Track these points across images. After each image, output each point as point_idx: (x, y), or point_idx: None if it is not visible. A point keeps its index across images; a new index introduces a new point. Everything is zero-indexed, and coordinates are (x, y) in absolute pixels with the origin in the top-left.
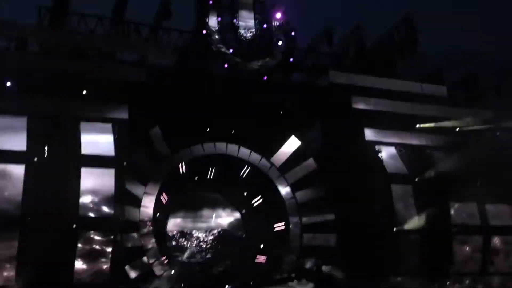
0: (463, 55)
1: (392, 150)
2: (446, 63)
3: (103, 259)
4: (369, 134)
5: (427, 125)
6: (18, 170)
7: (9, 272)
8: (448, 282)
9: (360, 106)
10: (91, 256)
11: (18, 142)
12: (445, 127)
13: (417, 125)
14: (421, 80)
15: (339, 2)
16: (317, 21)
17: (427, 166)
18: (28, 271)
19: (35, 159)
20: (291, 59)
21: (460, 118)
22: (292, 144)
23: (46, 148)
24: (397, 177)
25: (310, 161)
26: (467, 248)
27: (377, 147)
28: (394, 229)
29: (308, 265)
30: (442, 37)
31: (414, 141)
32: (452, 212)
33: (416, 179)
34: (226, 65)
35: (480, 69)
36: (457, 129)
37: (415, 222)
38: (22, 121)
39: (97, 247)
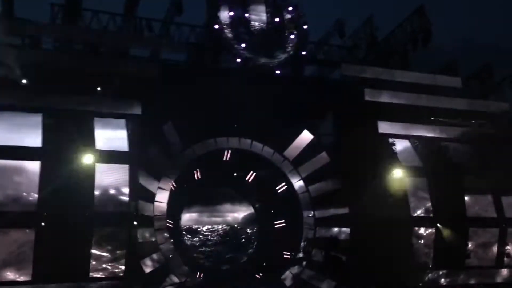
0: (478, 47)
1: (406, 142)
2: (461, 55)
3: (118, 254)
4: (383, 126)
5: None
6: (33, 166)
7: (26, 267)
8: (463, 275)
9: (373, 98)
10: (106, 251)
11: (33, 138)
12: (459, 119)
13: (431, 117)
14: (435, 72)
15: None
16: (328, 14)
17: (441, 158)
18: (44, 265)
19: (50, 155)
20: (303, 53)
21: (475, 109)
22: (304, 137)
23: (61, 144)
24: (411, 169)
25: (323, 154)
26: (483, 241)
27: (390, 140)
28: (409, 222)
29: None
30: (456, 29)
31: (428, 133)
32: (467, 204)
33: (431, 172)
34: (238, 60)
35: (495, 60)
36: (472, 121)
37: (429, 215)
38: (37, 118)
39: (112, 242)
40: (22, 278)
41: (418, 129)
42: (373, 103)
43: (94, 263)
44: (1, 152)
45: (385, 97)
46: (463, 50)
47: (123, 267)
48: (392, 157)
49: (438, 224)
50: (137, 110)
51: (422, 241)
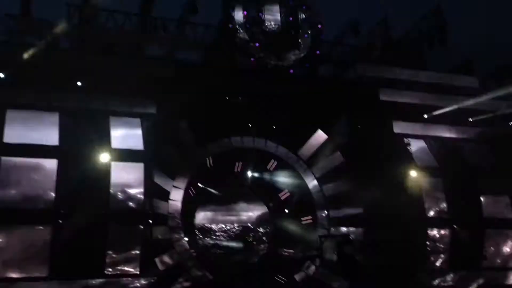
0: (497, 46)
1: (421, 143)
2: (478, 55)
3: (133, 252)
4: (398, 126)
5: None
6: (51, 165)
7: (42, 263)
8: (478, 277)
9: (388, 98)
10: (121, 249)
11: (50, 137)
12: (476, 119)
13: (447, 117)
14: (451, 71)
15: None
16: (343, 14)
17: (457, 159)
18: (60, 262)
19: (67, 153)
20: (318, 52)
21: (493, 110)
22: (319, 137)
23: (77, 143)
24: (427, 170)
25: (337, 154)
26: (499, 242)
27: (406, 140)
28: (424, 222)
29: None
30: (473, 28)
31: (444, 133)
32: (483, 205)
33: (446, 172)
34: (252, 59)
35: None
36: (489, 121)
37: (445, 215)
38: (54, 117)
39: (127, 239)
40: (38, 274)
41: (434, 129)
42: (388, 102)
43: (109, 260)
44: (19, 150)
45: (400, 97)
46: (481, 50)
47: (138, 265)
48: (407, 157)
49: (454, 225)
50: (152, 109)
51: (438, 242)
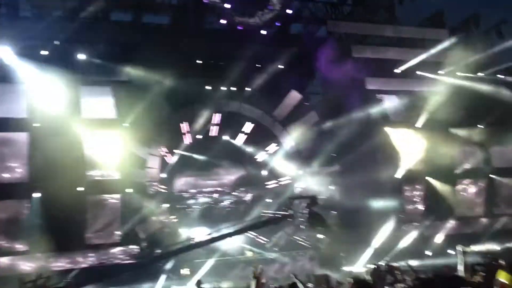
0: None
1: (394, 97)
2: (448, 6)
3: (113, 221)
4: (371, 82)
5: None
6: (21, 137)
7: (22, 239)
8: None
9: (361, 55)
10: (101, 218)
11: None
12: (446, 72)
13: (419, 72)
14: (422, 24)
15: None
16: None
17: (429, 111)
18: (38, 236)
19: (37, 125)
20: (289, 10)
21: (462, 62)
22: (293, 97)
23: (47, 114)
24: (400, 125)
25: (312, 113)
26: (470, 191)
27: (378, 96)
28: (396, 175)
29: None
30: None
31: (415, 87)
32: (454, 156)
33: (418, 125)
34: (222, 21)
35: (482, 10)
36: (458, 73)
37: (417, 167)
38: (21, 87)
39: (107, 209)
40: (19, 250)
41: (406, 84)
42: (360, 59)
43: (89, 230)
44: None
45: (372, 53)
46: (450, 1)
47: (118, 234)
48: (381, 113)
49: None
50: (123, 76)
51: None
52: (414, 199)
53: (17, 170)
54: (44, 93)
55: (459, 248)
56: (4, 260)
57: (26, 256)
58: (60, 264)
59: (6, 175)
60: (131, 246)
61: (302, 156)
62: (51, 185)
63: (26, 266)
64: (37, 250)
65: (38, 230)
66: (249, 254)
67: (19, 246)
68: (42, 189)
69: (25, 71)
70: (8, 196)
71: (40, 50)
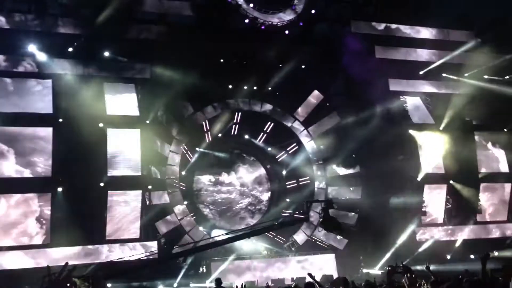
0: None
1: (417, 99)
2: (473, 8)
3: (133, 217)
4: (394, 84)
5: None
6: (46, 133)
7: (45, 231)
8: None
9: (384, 55)
10: (121, 214)
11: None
12: (471, 74)
13: (443, 74)
14: (446, 26)
15: None
16: None
17: (454, 114)
18: (61, 229)
19: (61, 120)
20: (313, 11)
21: (487, 64)
22: (315, 97)
23: (72, 110)
24: (423, 127)
25: (334, 114)
26: (493, 195)
27: (401, 97)
28: (419, 178)
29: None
30: None
31: (439, 89)
32: (478, 160)
33: (441, 127)
34: (246, 20)
35: (508, 12)
36: (484, 76)
37: (440, 170)
38: (47, 84)
39: (127, 205)
40: (42, 242)
41: (430, 86)
42: (384, 60)
43: (110, 225)
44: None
45: (396, 54)
46: (476, 3)
47: (139, 229)
48: (403, 114)
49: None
50: (146, 74)
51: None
52: (436, 202)
53: (42, 165)
54: (70, 89)
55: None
56: (28, 253)
57: (49, 249)
58: (81, 257)
59: (31, 170)
60: (150, 242)
61: (323, 156)
62: (74, 180)
63: (49, 258)
64: (60, 243)
65: (61, 224)
66: (265, 253)
67: (43, 239)
68: (65, 183)
69: (52, 68)
70: (33, 190)
71: (66, 47)
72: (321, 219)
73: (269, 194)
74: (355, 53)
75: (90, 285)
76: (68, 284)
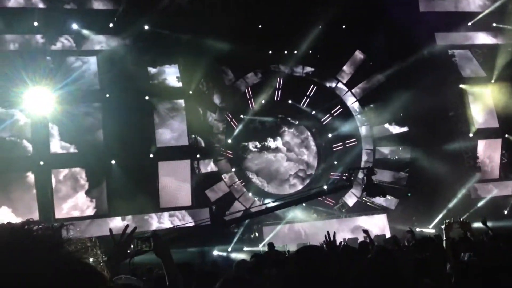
0: None
1: (466, 52)
2: None
3: (184, 185)
4: (441, 37)
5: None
6: (95, 108)
7: (102, 204)
8: None
9: (428, 9)
10: (173, 183)
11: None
12: None
13: (494, 23)
14: None
15: None
16: None
17: (506, 65)
18: (116, 200)
19: (108, 95)
20: None
21: None
22: (357, 57)
23: (117, 84)
24: (473, 80)
25: (377, 73)
26: None
27: (449, 51)
28: (471, 134)
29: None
30: None
31: (490, 40)
32: None
33: (494, 80)
34: None
35: None
36: None
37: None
38: (92, 60)
39: (177, 174)
40: (101, 213)
41: (479, 37)
42: (428, 13)
43: (162, 195)
44: None
45: (440, 6)
46: None
47: (189, 197)
48: (452, 68)
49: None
50: (186, 45)
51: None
52: (491, 157)
53: (95, 139)
54: (114, 64)
55: None
56: (87, 224)
57: (106, 218)
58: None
59: (87, 143)
60: (202, 209)
61: (369, 117)
62: (124, 153)
63: (109, 226)
64: (117, 212)
65: (117, 194)
66: (314, 215)
67: (102, 209)
68: (117, 156)
69: (96, 44)
70: (90, 163)
71: (108, 22)
72: (363, 186)
73: (316, 157)
74: (398, 8)
75: (151, 245)
76: (132, 246)
